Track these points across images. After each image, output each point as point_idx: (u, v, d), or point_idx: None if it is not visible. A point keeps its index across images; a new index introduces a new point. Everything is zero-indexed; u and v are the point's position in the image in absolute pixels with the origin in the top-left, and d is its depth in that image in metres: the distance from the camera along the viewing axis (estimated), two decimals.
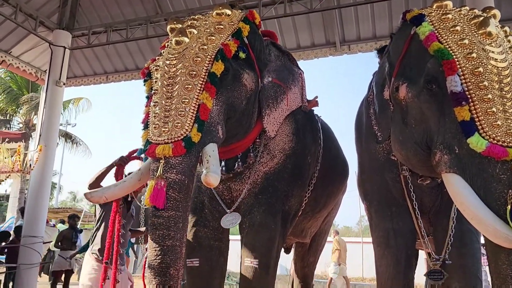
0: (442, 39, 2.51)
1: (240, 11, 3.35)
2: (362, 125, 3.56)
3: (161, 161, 2.59)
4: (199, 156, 2.74)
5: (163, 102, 2.74)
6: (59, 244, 7.37)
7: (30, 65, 8.54)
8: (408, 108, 2.70)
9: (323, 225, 5.24)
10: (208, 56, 2.86)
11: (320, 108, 4.33)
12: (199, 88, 2.77)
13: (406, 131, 2.72)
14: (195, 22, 3.11)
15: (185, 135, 2.64)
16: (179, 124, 2.66)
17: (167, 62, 2.84)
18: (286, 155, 3.59)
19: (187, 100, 2.72)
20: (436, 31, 2.57)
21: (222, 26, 3.07)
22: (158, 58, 3.03)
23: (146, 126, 2.83)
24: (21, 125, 17.65)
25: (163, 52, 3.00)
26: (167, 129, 2.66)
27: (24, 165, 7.29)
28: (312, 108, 4.04)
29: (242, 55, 3.07)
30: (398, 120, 2.82)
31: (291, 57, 3.62)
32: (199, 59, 2.83)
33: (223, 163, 3.42)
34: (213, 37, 2.97)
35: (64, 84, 7.64)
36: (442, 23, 2.58)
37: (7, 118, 17.79)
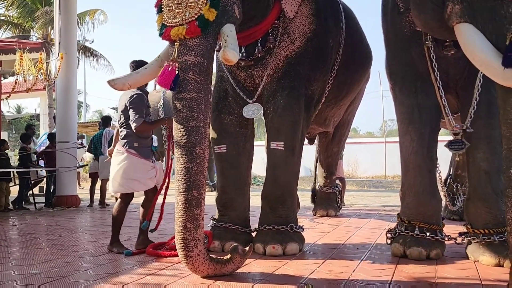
0: None
1: None
2: (388, 3, 3.38)
3: (176, 43, 2.56)
4: (217, 37, 2.69)
5: None
6: (91, 149, 7.67)
7: None
8: None
9: (346, 115, 5.27)
10: None
11: None
12: None
13: None
14: None
15: (198, 14, 2.56)
16: (192, 4, 2.58)
17: None
18: (307, 38, 3.49)
19: None
20: None
21: None
22: None
23: (160, 10, 2.75)
24: (39, 40, 17.59)
25: None
26: (180, 10, 2.59)
27: (48, 73, 7.37)
28: None
29: None
30: None
31: None
32: None
33: (243, 50, 3.37)
34: None
35: None
36: None
37: (25, 33, 17.62)
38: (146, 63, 3.34)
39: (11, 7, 16.81)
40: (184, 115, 2.54)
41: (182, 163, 2.53)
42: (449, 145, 3.10)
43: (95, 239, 4.18)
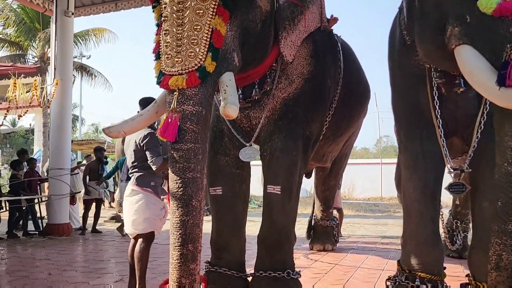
0: None
1: None
2: (396, 40, 3.32)
3: (175, 93, 2.51)
4: (215, 85, 2.64)
5: (174, 30, 2.58)
6: (87, 176, 7.61)
7: None
8: None
9: (343, 149, 5.21)
10: None
11: (339, 25, 4.07)
12: (211, 12, 2.59)
13: (424, 20, 2.57)
14: None
15: (199, 65, 2.52)
16: (192, 54, 2.53)
17: None
18: (305, 79, 3.45)
19: (199, 27, 2.56)
20: None
21: None
22: None
23: (158, 56, 2.70)
24: (36, 59, 17.57)
25: None
26: (180, 59, 2.54)
27: (42, 99, 7.30)
28: (332, 28, 3.81)
29: None
30: (416, 13, 2.68)
31: None
32: None
33: (240, 91, 3.32)
34: None
35: (72, 14, 7.40)
36: None
37: (22, 52, 17.61)
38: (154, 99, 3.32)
39: (8, 26, 16.82)
40: (181, 166, 2.47)
41: (178, 216, 2.45)
42: (449, 188, 3.01)
43: (86, 278, 4.05)
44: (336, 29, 3.97)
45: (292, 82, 3.41)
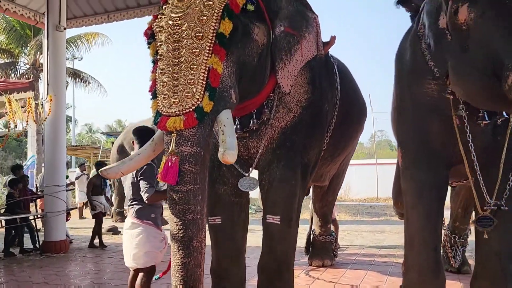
0: None
1: None
2: (405, 64, 3.25)
3: (173, 134, 2.49)
4: (213, 124, 2.62)
5: (170, 69, 2.57)
6: (90, 192, 7.62)
7: (27, 9, 8.10)
8: (469, 32, 2.45)
9: (341, 166, 5.21)
10: (215, 14, 2.61)
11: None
12: (207, 51, 2.57)
13: (467, 58, 2.49)
14: None
15: (196, 105, 2.51)
16: (189, 94, 2.52)
17: (171, 22, 2.62)
18: (303, 107, 3.44)
19: (195, 66, 2.55)
20: None
21: None
22: (160, 17, 2.79)
23: (154, 95, 2.69)
24: (28, 66, 17.43)
25: (165, 9, 2.76)
26: (177, 100, 2.52)
27: (37, 116, 7.23)
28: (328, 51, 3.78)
29: (250, 7, 2.81)
30: (457, 49, 2.58)
31: (303, 0, 3.31)
32: (205, 17, 2.60)
33: (237, 121, 3.30)
34: None
35: (64, 28, 7.33)
36: None
37: (13, 59, 17.45)
38: (150, 129, 3.29)
39: None
40: (180, 208, 2.47)
41: (179, 258, 2.46)
42: (478, 221, 2.97)
43: None
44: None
45: (290, 111, 3.39)
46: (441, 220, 3.19)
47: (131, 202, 3.42)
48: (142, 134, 3.33)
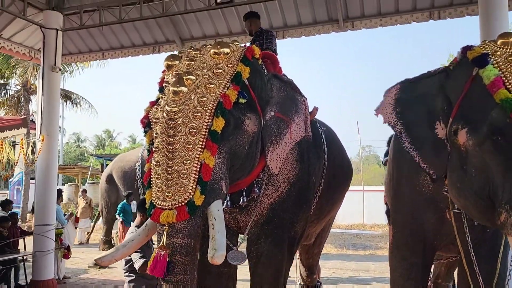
0: (510, 86, 2.32)
1: (239, 45, 3.18)
2: (403, 155, 3.10)
3: (165, 227, 2.62)
4: (204, 215, 2.76)
5: (165, 163, 2.71)
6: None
7: (23, 46, 8.24)
8: (468, 155, 2.50)
9: (327, 223, 5.34)
10: (208, 111, 2.77)
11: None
12: (200, 146, 2.72)
13: (465, 178, 2.53)
14: (193, 63, 2.99)
15: (188, 199, 2.64)
16: (182, 188, 2.65)
17: (166, 116, 2.76)
18: (291, 183, 3.59)
19: (188, 161, 2.69)
20: (502, 75, 2.36)
21: (220, 70, 2.95)
22: (157, 108, 2.95)
23: (149, 185, 2.82)
24: (18, 87, 17.45)
25: (161, 100, 2.92)
26: (170, 194, 2.66)
27: (28, 156, 7.29)
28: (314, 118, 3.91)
29: (242, 100, 2.98)
30: (456, 165, 2.61)
31: (293, 85, 3.48)
32: (199, 114, 2.75)
33: (227, 197, 3.43)
34: (212, 85, 2.87)
35: (60, 69, 7.44)
36: (509, 66, 2.38)
37: (4, 81, 17.44)
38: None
39: None
40: None
41: None
42: None
43: None
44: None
45: (278, 187, 3.54)
46: None
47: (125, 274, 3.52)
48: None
